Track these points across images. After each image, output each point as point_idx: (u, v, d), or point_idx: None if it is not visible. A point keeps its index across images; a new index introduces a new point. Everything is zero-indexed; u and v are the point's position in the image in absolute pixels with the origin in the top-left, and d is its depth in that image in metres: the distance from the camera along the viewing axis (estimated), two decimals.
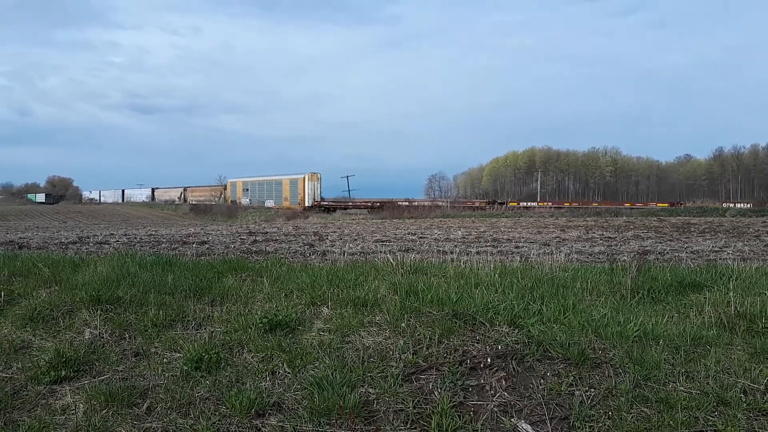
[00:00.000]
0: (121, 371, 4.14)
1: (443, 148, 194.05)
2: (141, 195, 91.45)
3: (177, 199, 79.26)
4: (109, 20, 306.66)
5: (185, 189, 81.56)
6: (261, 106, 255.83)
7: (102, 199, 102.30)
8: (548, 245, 14.43)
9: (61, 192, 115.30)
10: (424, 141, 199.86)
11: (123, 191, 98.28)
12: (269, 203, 58.10)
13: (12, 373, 4.18)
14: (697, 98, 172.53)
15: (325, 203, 53.45)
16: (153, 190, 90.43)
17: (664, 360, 3.91)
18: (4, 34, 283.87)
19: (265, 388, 3.77)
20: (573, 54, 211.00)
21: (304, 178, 59.07)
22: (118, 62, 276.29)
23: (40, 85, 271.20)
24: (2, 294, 5.74)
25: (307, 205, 54.17)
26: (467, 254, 10.69)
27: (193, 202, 70.13)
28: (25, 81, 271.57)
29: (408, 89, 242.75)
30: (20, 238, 18.37)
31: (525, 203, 74.16)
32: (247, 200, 62.24)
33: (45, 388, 3.94)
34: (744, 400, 3.43)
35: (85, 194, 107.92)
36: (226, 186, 71.76)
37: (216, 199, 69.61)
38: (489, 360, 3.96)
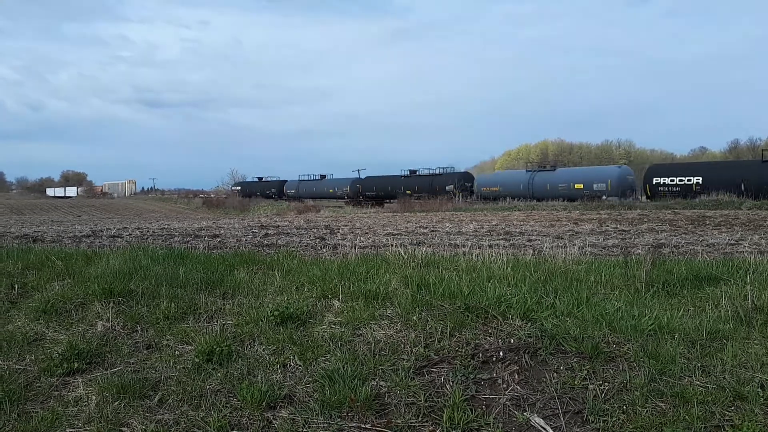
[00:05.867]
0: (133, 363, 4.16)
1: (454, 141, 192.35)
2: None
3: (65, 194, 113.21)
4: (118, 14, 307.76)
5: (65, 189, 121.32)
6: (271, 100, 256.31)
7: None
8: (561, 238, 14.30)
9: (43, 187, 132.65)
10: (435, 134, 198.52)
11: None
12: (115, 194, 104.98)
13: (25, 365, 4.22)
14: (713, 89, 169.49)
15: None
16: (46, 189, 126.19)
17: (680, 354, 3.85)
18: (14, 28, 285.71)
19: (277, 381, 3.77)
20: (587, 45, 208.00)
21: (125, 183, 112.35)
22: (128, 57, 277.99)
23: (52, 80, 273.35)
24: (16, 287, 5.80)
25: (126, 195, 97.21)
26: (479, 247, 10.61)
27: (89, 196, 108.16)
28: (36, 76, 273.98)
29: (419, 81, 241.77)
30: (35, 231, 18.53)
31: None
32: (108, 192, 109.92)
33: (58, 380, 3.97)
34: (761, 394, 3.37)
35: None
36: (103, 186, 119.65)
37: (99, 194, 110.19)
38: (501, 353, 3.93)
